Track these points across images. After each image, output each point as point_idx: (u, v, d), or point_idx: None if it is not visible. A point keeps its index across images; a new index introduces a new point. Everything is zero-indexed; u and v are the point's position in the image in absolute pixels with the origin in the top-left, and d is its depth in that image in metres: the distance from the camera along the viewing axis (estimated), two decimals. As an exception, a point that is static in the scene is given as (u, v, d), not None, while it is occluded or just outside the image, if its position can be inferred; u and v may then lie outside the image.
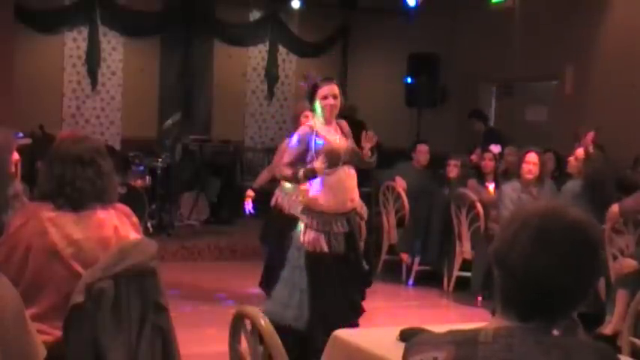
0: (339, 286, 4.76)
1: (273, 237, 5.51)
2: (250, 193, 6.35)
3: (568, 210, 1.61)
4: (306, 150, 4.73)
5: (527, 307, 1.57)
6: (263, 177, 6.24)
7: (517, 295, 1.58)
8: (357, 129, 5.06)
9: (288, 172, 4.78)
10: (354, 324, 4.82)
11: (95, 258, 2.81)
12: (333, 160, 4.68)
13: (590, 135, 6.29)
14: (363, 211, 4.98)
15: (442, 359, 1.55)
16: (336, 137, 4.77)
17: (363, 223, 5.02)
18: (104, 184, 2.99)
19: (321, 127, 4.75)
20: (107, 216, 2.96)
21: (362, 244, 5.06)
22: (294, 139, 4.83)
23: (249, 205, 6.33)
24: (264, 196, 6.08)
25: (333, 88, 4.73)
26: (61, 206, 2.91)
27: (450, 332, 1.60)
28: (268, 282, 6.02)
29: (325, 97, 4.69)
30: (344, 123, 4.92)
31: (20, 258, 2.84)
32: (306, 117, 5.29)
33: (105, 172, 3.01)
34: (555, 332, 1.60)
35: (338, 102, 4.74)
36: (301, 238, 4.75)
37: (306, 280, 4.74)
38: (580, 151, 6.42)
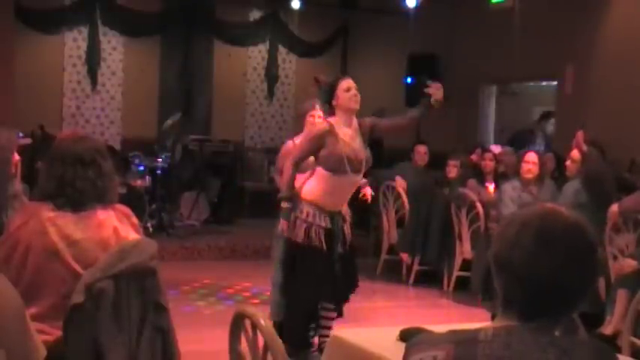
0: (313, 278, 4.73)
1: None
2: (285, 204, 5.28)
3: (565, 211, 1.63)
4: (320, 147, 4.66)
5: (530, 307, 1.58)
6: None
7: (519, 295, 1.59)
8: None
9: (286, 175, 4.76)
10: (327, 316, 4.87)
11: (95, 258, 2.81)
12: (348, 167, 4.64)
13: (580, 134, 6.26)
14: (347, 215, 4.91)
15: (442, 358, 1.56)
16: (357, 143, 4.73)
17: (347, 226, 4.88)
18: (104, 184, 2.99)
19: (342, 131, 4.69)
20: (107, 216, 2.95)
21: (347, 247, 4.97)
22: (311, 134, 4.77)
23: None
24: (273, 197, 6.00)
25: (352, 82, 4.76)
26: (61, 206, 2.91)
27: (451, 332, 1.61)
28: None
29: (349, 89, 4.70)
30: (364, 122, 4.84)
31: (20, 258, 2.84)
32: (312, 116, 5.25)
33: (105, 172, 3.00)
34: (556, 332, 1.60)
35: (359, 94, 4.73)
36: (279, 227, 4.78)
37: (280, 271, 4.86)
38: (574, 153, 6.41)
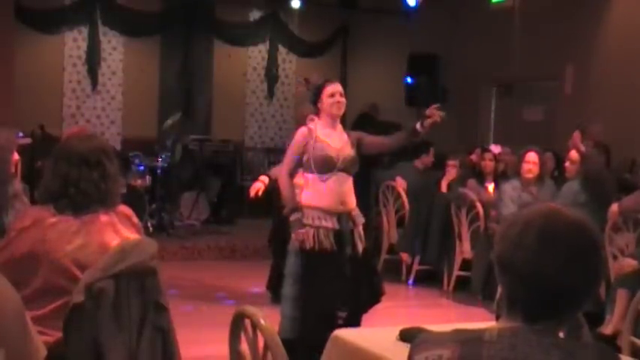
0: (330, 286, 4.65)
1: (280, 242, 5.48)
2: (264, 179, 5.93)
3: (568, 211, 1.62)
4: (303, 153, 4.69)
5: (534, 308, 1.58)
6: (276, 172, 5.80)
7: (523, 296, 1.58)
8: (374, 128, 4.98)
9: (284, 189, 4.74)
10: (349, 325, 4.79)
11: (96, 263, 2.80)
12: (328, 166, 4.65)
13: (577, 135, 6.25)
14: (358, 218, 4.84)
15: (447, 357, 1.56)
16: (339, 142, 4.72)
17: (360, 229, 4.84)
18: (108, 187, 2.96)
19: (322, 132, 4.71)
20: (109, 220, 2.94)
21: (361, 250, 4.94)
22: (293, 142, 4.78)
23: (256, 190, 5.79)
24: (272, 196, 6.01)
25: (339, 87, 4.75)
26: (63, 209, 2.89)
27: (456, 331, 1.61)
28: (274, 286, 6.02)
29: (333, 95, 4.70)
30: (351, 134, 4.86)
31: (21, 264, 2.83)
32: (312, 120, 5.25)
33: (110, 174, 2.98)
34: (560, 333, 1.60)
35: (344, 100, 4.75)
36: (292, 241, 4.69)
37: (293, 285, 4.69)
38: (573, 154, 6.40)
